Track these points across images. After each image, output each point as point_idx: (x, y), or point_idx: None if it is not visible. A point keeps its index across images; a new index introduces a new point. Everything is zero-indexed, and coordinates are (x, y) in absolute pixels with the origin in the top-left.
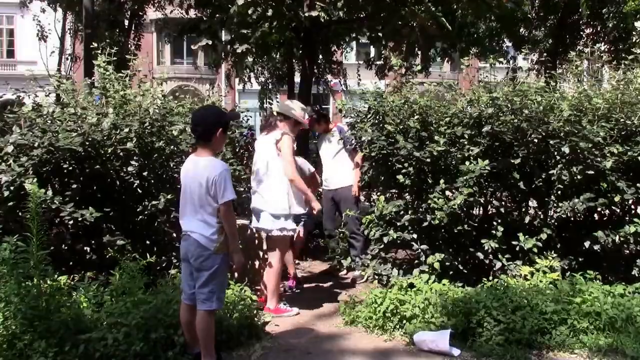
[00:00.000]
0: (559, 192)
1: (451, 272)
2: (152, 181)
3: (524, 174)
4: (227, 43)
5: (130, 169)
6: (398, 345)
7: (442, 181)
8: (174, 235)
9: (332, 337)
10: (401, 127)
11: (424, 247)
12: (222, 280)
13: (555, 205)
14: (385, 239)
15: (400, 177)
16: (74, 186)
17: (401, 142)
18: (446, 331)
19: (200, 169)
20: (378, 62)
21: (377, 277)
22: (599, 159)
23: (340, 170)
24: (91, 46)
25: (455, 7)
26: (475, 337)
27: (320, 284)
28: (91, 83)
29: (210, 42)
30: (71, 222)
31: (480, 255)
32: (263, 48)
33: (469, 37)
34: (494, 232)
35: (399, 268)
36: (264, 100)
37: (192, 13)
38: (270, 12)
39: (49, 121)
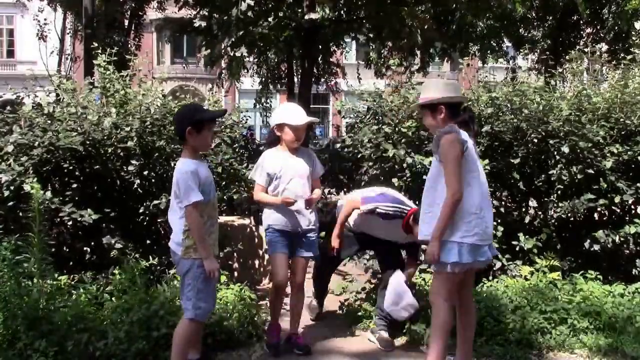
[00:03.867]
0: (559, 192)
1: None
2: (153, 181)
3: (523, 174)
4: (226, 45)
5: (130, 168)
6: (398, 345)
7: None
8: None
9: (332, 337)
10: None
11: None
12: (200, 288)
13: (555, 205)
14: None
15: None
16: (74, 186)
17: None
18: None
19: (174, 171)
20: (378, 62)
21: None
22: (599, 159)
23: None
24: (91, 46)
25: (454, 6)
26: (476, 337)
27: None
28: (91, 82)
29: (213, 50)
30: (70, 222)
31: None
32: (261, 48)
33: (468, 35)
34: (494, 232)
35: None
36: (260, 100)
37: (192, 12)
38: (270, 13)
39: (49, 121)
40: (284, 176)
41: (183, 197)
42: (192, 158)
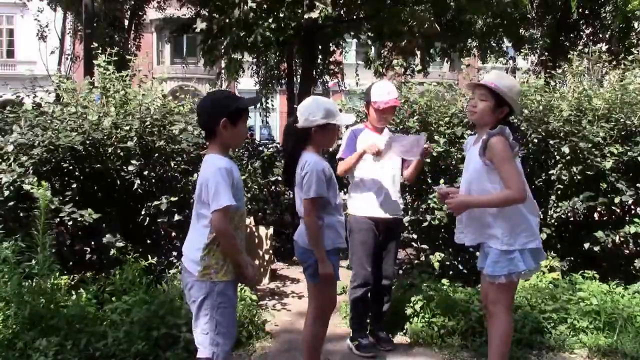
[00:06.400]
0: (559, 192)
1: (451, 272)
2: (153, 181)
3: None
4: (226, 46)
5: (130, 168)
6: (398, 345)
7: (442, 181)
8: (174, 235)
9: (332, 337)
10: (401, 127)
11: (424, 247)
12: (219, 320)
13: (555, 205)
14: None
15: None
16: (74, 186)
17: None
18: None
19: (201, 170)
20: (377, 62)
21: None
22: (598, 159)
23: None
24: (91, 46)
25: (454, 5)
26: (476, 336)
27: None
28: (91, 82)
29: (212, 51)
30: (70, 222)
31: None
32: (261, 50)
33: (466, 32)
34: None
35: (399, 268)
36: (261, 100)
37: (192, 12)
38: (270, 14)
39: (49, 120)
40: None
41: (212, 199)
42: (223, 156)
